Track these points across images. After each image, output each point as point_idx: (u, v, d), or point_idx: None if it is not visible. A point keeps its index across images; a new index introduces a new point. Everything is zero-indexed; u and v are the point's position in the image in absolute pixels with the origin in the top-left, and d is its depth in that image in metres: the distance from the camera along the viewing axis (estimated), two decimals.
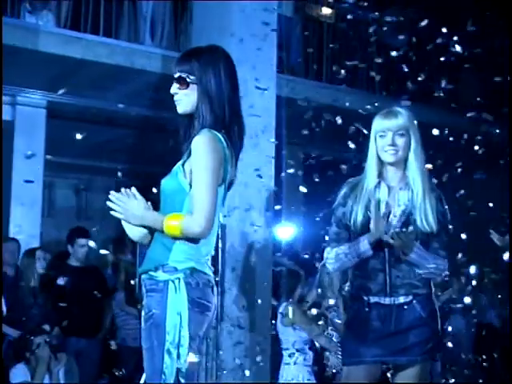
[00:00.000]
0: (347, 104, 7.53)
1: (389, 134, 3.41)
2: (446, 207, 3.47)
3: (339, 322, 5.56)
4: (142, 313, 2.80)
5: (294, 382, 5.66)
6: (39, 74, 7.32)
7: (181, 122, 2.91)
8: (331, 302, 5.58)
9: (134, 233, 2.87)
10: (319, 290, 5.69)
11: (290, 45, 8.49)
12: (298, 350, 5.73)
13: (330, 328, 5.64)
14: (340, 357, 5.21)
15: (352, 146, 5.79)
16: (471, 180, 6.90)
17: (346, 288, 4.93)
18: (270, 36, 6.84)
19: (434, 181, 3.83)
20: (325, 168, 6.83)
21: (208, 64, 2.84)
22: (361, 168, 3.57)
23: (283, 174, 7.26)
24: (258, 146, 6.37)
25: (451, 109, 8.03)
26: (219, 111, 2.82)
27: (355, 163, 4.26)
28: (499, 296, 8.26)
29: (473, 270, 6.46)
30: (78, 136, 6.29)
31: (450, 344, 6.82)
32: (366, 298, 3.42)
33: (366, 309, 3.41)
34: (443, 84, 7.01)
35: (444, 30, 6.73)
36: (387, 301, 3.38)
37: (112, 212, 2.79)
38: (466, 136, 7.19)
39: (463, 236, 5.95)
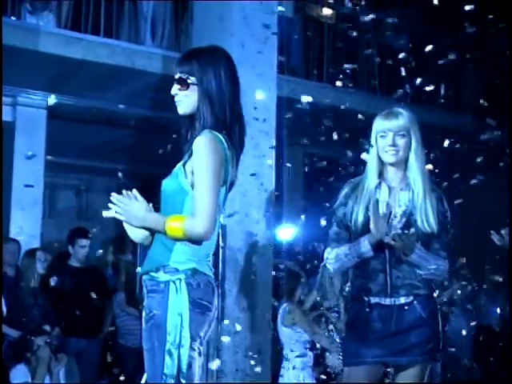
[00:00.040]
0: (348, 105, 7.54)
1: (389, 134, 3.42)
2: (447, 207, 3.47)
3: (340, 322, 5.57)
4: (143, 313, 2.79)
5: (294, 382, 5.66)
6: (40, 74, 7.32)
7: (182, 123, 2.91)
8: (332, 302, 5.58)
9: (136, 234, 2.87)
10: (320, 291, 5.70)
11: (291, 45, 8.49)
12: (298, 351, 5.73)
13: (330, 328, 5.64)
14: (340, 357, 5.22)
15: (353, 146, 5.79)
16: (471, 181, 6.90)
17: (347, 288, 4.93)
18: (271, 38, 6.84)
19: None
20: (325, 168, 6.84)
21: (208, 65, 2.84)
22: (361, 168, 3.57)
23: (283, 175, 7.26)
24: (259, 147, 6.36)
25: (452, 110, 8.04)
26: (220, 112, 2.82)
27: (356, 164, 4.26)
28: (499, 296, 8.26)
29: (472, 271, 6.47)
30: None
31: (450, 344, 6.83)
32: (366, 298, 3.41)
33: (367, 309, 3.41)
34: (443, 85, 7.01)
35: (444, 30, 6.74)
36: (388, 301, 3.38)
37: (114, 214, 2.79)
38: (465, 137, 7.20)
39: (464, 237, 5.95)
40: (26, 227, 7.75)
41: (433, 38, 7.67)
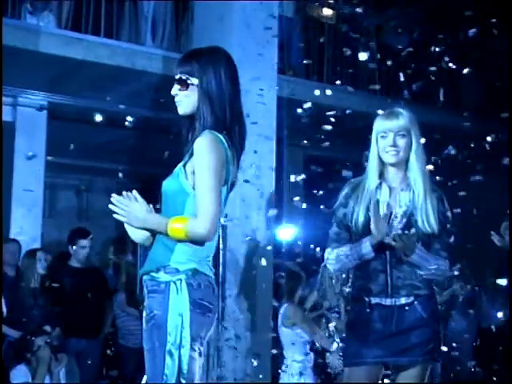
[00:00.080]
0: (348, 105, 7.54)
1: (390, 134, 3.41)
2: (448, 207, 3.47)
3: (340, 322, 5.57)
4: (144, 314, 2.79)
5: (294, 382, 5.66)
6: (40, 75, 7.32)
7: (182, 124, 2.91)
8: (332, 302, 5.58)
9: (137, 235, 2.87)
10: (320, 291, 5.70)
11: (291, 46, 8.49)
12: (298, 351, 5.73)
13: (330, 329, 5.64)
14: (341, 358, 5.23)
15: (353, 146, 5.79)
16: (471, 182, 6.90)
17: (347, 289, 4.93)
18: (272, 38, 6.84)
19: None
20: (325, 169, 6.84)
21: (208, 65, 2.84)
22: (362, 169, 3.57)
23: (283, 175, 7.26)
24: (259, 147, 6.36)
25: (452, 110, 8.04)
26: (220, 112, 2.82)
27: (356, 164, 4.26)
28: (499, 296, 8.25)
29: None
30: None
31: (450, 345, 6.83)
32: (367, 298, 3.41)
33: (367, 310, 3.40)
34: (443, 85, 7.02)
35: (444, 31, 6.74)
36: (388, 302, 3.38)
37: (114, 215, 2.79)
38: (465, 137, 7.19)
39: (464, 237, 5.95)
40: (26, 227, 7.75)
41: (433, 38, 7.68)
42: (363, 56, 7.07)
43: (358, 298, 3.47)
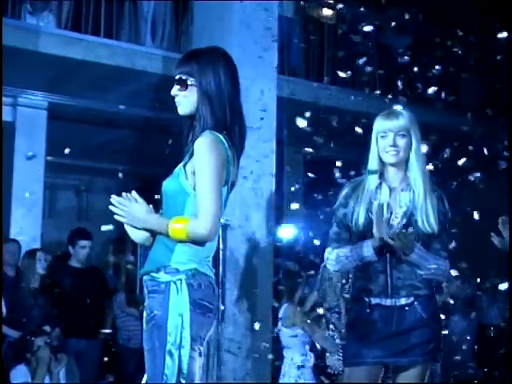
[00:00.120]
0: (348, 105, 7.54)
1: (390, 134, 3.41)
2: (448, 207, 3.46)
3: (340, 323, 5.57)
4: (144, 314, 2.79)
5: (294, 382, 5.66)
6: (40, 75, 7.33)
7: (182, 124, 2.91)
8: (332, 303, 5.58)
9: (137, 235, 2.87)
10: (320, 291, 5.69)
11: (291, 46, 8.49)
12: (298, 351, 5.73)
13: (330, 329, 5.64)
14: (341, 358, 5.22)
15: (353, 146, 5.79)
16: (471, 182, 6.90)
17: (347, 289, 4.93)
18: (272, 39, 6.84)
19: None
20: (325, 169, 6.83)
21: (207, 65, 2.84)
22: (362, 169, 3.57)
23: (284, 175, 7.26)
24: (259, 147, 6.36)
25: (452, 111, 8.03)
26: (220, 113, 2.82)
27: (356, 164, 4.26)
28: (499, 297, 8.26)
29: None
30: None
31: (450, 345, 6.83)
32: (367, 299, 3.41)
33: (368, 310, 3.40)
34: (443, 85, 7.01)
35: (444, 32, 6.74)
36: (388, 302, 3.38)
37: (115, 216, 2.79)
38: (465, 137, 7.19)
39: (464, 238, 5.95)
40: (26, 227, 7.75)
41: (433, 38, 7.68)
42: (363, 56, 7.07)
43: (358, 299, 3.47)
